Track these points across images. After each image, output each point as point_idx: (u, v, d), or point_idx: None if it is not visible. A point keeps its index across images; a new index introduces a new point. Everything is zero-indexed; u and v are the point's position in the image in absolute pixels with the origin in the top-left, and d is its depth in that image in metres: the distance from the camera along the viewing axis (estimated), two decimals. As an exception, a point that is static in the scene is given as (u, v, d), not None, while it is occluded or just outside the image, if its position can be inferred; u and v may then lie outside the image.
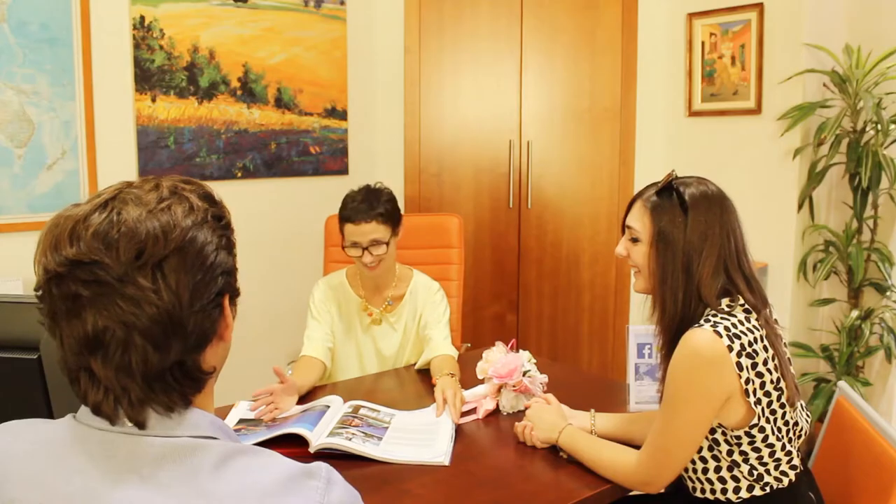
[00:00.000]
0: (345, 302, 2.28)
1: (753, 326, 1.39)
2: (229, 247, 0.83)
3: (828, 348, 2.95)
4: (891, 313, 2.82)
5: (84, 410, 0.78)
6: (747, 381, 1.35)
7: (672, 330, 1.45)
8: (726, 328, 1.36)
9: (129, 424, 0.76)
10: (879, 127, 2.74)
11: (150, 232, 0.74)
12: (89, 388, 0.76)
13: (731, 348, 1.34)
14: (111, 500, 0.72)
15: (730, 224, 1.45)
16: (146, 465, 0.74)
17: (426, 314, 2.26)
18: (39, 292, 0.75)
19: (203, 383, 0.80)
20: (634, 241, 1.51)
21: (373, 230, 2.11)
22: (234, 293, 0.84)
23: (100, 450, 0.75)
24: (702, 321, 1.39)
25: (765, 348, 1.38)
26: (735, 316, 1.39)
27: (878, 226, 2.87)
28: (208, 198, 0.83)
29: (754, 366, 1.36)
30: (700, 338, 1.35)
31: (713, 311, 1.41)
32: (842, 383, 1.70)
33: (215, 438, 0.78)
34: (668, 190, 1.47)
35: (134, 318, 0.73)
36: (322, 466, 0.78)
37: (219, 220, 0.82)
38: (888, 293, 2.83)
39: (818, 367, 3.02)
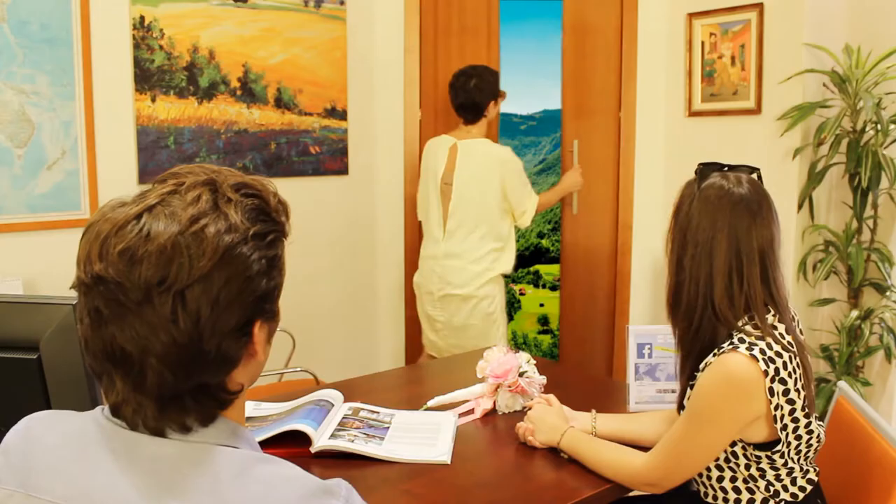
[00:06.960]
0: None
1: (790, 343, 1.36)
2: (270, 268, 0.78)
3: (827, 348, 2.95)
4: (891, 313, 2.82)
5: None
6: (777, 408, 1.33)
7: (682, 325, 1.42)
8: (762, 350, 1.32)
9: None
10: (879, 127, 2.74)
11: (176, 258, 0.71)
12: (110, 391, 0.76)
13: (766, 373, 1.31)
14: (129, 500, 0.72)
15: (740, 227, 1.38)
16: (166, 469, 0.74)
17: None
18: (74, 292, 0.76)
19: (228, 403, 0.79)
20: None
21: None
22: (269, 317, 0.80)
23: (122, 449, 0.75)
24: (736, 340, 1.35)
25: (795, 367, 1.35)
26: (770, 334, 1.35)
27: (877, 226, 2.87)
28: (256, 211, 0.78)
29: (786, 392, 1.33)
30: (736, 363, 1.31)
31: (746, 331, 1.36)
32: (842, 383, 1.69)
33: (235, 447, 0.77)
34: (697, 180, 1.45)
35: (147, 342, 0.71)
36: (342, 485, 0.77)
37: (262, 237, 0.77)
38: (888, 293, 2.83)
39: (818, 367, 3.02)
